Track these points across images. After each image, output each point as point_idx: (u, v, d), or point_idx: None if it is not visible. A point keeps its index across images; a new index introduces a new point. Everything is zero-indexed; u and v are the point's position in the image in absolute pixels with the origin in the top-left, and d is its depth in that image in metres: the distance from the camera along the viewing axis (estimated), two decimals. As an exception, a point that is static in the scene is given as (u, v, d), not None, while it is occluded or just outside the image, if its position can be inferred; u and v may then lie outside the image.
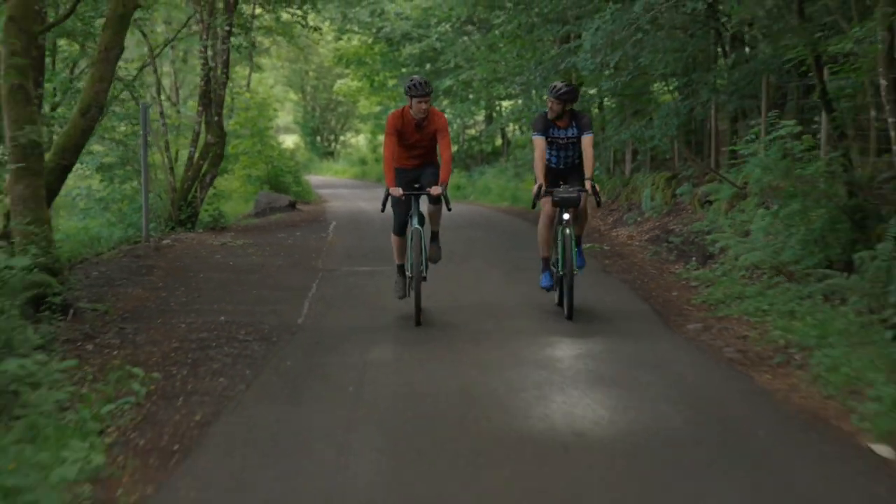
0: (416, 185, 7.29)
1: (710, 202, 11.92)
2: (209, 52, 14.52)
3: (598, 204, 7.49)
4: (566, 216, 7.25)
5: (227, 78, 15.61)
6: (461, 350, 6.30)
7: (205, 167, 14.47)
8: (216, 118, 14.69)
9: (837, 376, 5.15)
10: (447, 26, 24.32)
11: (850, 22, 7.72)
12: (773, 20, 9.14)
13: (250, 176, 21.97)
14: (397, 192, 7.07)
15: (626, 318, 7.33)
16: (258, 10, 19.24)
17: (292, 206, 18.92)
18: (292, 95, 45.60)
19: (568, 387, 5.34)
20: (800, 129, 8.09)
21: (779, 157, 8.22)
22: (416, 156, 7.31)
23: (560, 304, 7.61)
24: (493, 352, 6.26)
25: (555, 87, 7.39)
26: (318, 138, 46.31)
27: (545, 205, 7.45)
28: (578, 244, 7.60)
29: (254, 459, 4.22)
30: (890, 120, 8.29)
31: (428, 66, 26.86)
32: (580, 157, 7.48)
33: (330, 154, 45.79)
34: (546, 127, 7.41)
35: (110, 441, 4.43)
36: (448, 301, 8.03)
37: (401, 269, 7.50)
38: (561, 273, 7.37)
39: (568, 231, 7.18)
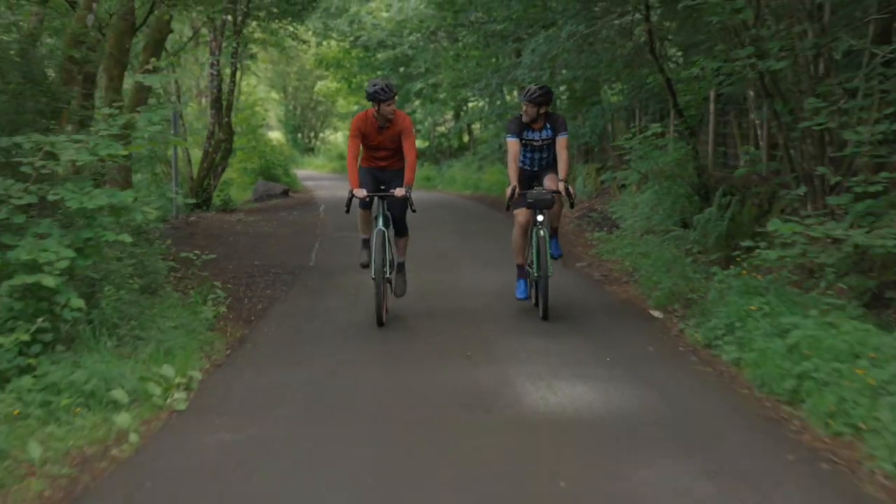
0: (382, 187, 7.27)
1: (625, 186, 15.20)
2: (219, 67, 17.60)
3: (571, 205, 7.41)
4: (540, 217, 7.18)
5: (234, 86, 18.70)
6: (424, 278, 9.49)
7: (217, 160, 17.56)
8: (226, 119, 17.77)
9: (650, 282, 8.44)
10: (418, 35, 27.28)
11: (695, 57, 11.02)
12: (632, 56, 12.46)
13: (246, 168, 24.93)
14: (361, 193, 7.06)
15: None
16: (249, 19, 22.13)
17: (286, 193, 21.93)
18: (274, 95, 48.37)
19: (489, 288, 8.65)
20: (663, 130, 11.37)
21: (650, 150, 11.50)
22: (381, 157, 7.31)
23: (537, 303, 7.55)
24: (443, 277, 9.50)
25: (528, 90, 7.24)
26: (300, 135, 49.02)
27: (519, 216, 7.34)
28: (555, 235, 7.52)
29: (300, 319, 7.45)
30: (756, 121, 11.60)
31: (401, 69, 29.90)
32: (555, 158, 7.37)
33: (311, 150, 48.43)
34: (520, 129, 7.31)
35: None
36: (416, 253, 11.18)
37: (365, 241, 7.48)
38: (536, 275, 7.35)
39: (542, 233, 7.14)
